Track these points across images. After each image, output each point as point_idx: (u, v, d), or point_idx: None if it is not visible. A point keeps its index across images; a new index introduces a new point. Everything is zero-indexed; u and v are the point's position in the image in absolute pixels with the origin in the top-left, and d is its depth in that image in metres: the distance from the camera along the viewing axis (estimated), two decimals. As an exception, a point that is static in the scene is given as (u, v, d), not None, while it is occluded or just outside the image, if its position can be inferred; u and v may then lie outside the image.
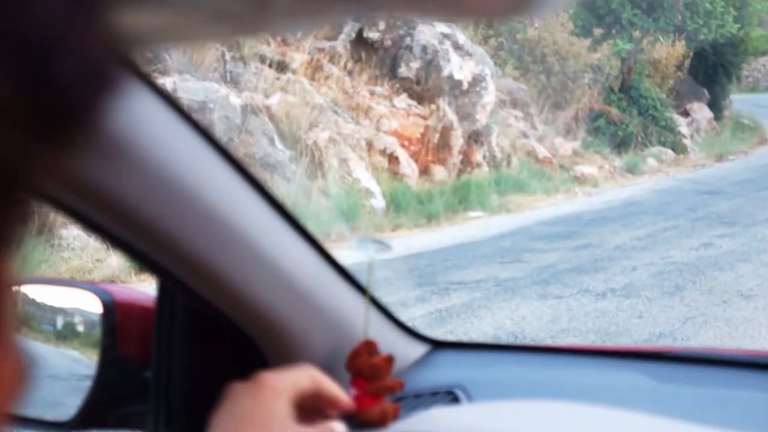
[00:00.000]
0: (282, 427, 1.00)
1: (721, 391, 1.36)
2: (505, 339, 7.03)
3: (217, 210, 0.99)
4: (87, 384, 1.32)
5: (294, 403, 1.03)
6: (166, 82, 11.72)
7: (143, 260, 1.04)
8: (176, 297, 1.26)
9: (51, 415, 1.38)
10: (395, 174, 14.61)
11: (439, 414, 1.05)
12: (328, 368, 1.15)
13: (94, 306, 1.37)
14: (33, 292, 1.50)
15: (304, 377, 1.06)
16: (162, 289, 1.28)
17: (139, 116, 0.88)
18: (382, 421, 1.13)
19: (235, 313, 1.11)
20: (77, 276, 8.60)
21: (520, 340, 7.01)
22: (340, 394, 1.09)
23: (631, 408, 0.94)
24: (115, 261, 9.00)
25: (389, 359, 1.15)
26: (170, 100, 0.93)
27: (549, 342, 6.90)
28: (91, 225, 0.95)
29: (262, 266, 1.08)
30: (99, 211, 0.90)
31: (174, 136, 0.93)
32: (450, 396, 1.30)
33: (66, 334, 1.45)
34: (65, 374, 1.45)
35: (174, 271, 1.03)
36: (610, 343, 6.80)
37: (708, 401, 1.29)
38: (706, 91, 26.12)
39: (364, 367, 1.14)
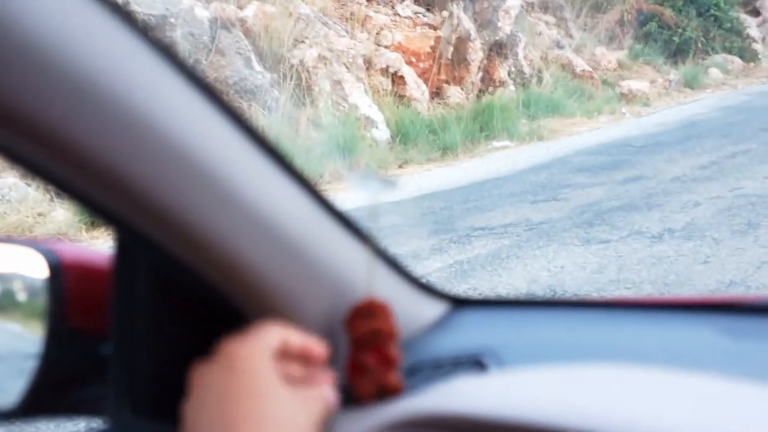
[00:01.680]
0: (270, 392, 1.00)
1: None
2: (540, 295, 7.03)
3: (186, 146, 0.97)
4: (32, 364, 1.32)
5: (276, 362, 1.04)
6: (116, -6, 11.67)
7: (97, 210, 1.03)
8: (138, 255, 1.26)
9: (-9, 403, 1.38)
10: (401, 98, 14.58)
11: (463, 386, 1.05)
12: (327, 337, 1.15)
13: (37, 269, 1.36)
14: (-38, 254, 1.50)
15: (272, 334, 1.07)
16: (120, 246, 1.28)
17: (84, 35, 0.87)
18: (378, 396, 1.13)
19: (211, 272, 1.10)
20: (15, 234, 8.59)
21: (559, 296, 7.00)
22: (312, 343, 1.10)
23: (699, 370, 0.94)
24: (61, 214, 9.01)
25: (392, 326, 1.15)
26: (123, 15, 0.92)
27: (595, 296, 6.87)
28: (31, 167, 0.94)
29: (243, 214, 1.07)
30: (40, 148, 0.89)
31: (129, 58, 0.92)
32: (475, 364, 1.30)
33: (4, 305, 1.45)
34: (5, 353, 1.45)
35: (135, 222, 1.02)
36: (669, 295, 6.79)
37: None
38: (780, -17, 25.93)
39: (363, 332, 1.14)
